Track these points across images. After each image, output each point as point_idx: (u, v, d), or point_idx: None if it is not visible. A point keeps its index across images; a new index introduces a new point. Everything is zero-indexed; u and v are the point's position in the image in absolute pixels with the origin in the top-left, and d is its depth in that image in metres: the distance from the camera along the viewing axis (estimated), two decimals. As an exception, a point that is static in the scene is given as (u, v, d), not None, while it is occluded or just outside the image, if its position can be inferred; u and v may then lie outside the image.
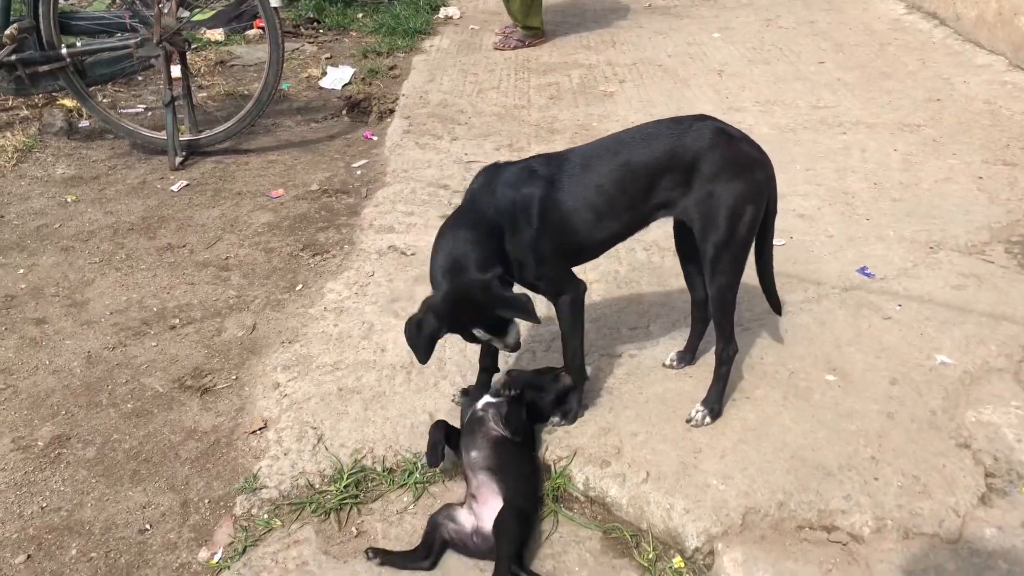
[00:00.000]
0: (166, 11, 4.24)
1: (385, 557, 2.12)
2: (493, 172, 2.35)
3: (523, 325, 2.45)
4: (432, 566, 2.11)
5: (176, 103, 4.47)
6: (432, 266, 2.25)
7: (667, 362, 2.72)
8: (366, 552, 2.13)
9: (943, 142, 4.37)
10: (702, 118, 2.35)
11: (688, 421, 2.44)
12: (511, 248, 2.26)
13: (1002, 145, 4.27)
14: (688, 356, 2.71)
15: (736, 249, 2.31)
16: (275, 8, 4.29)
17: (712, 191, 2.26)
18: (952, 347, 2.71)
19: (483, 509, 2.14)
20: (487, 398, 2.40)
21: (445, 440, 2.33)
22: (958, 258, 3.23)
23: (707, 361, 2.69)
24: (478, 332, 2.25)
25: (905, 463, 2.27)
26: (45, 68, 4.34)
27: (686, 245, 2.48)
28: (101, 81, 4.72)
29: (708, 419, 2.42)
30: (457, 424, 2.43)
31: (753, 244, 2.43)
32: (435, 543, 2.13)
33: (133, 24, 4.33)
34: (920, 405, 2.48)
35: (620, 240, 2.45)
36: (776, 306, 2.68)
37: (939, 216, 3.58)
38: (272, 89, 4.45)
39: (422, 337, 2.20)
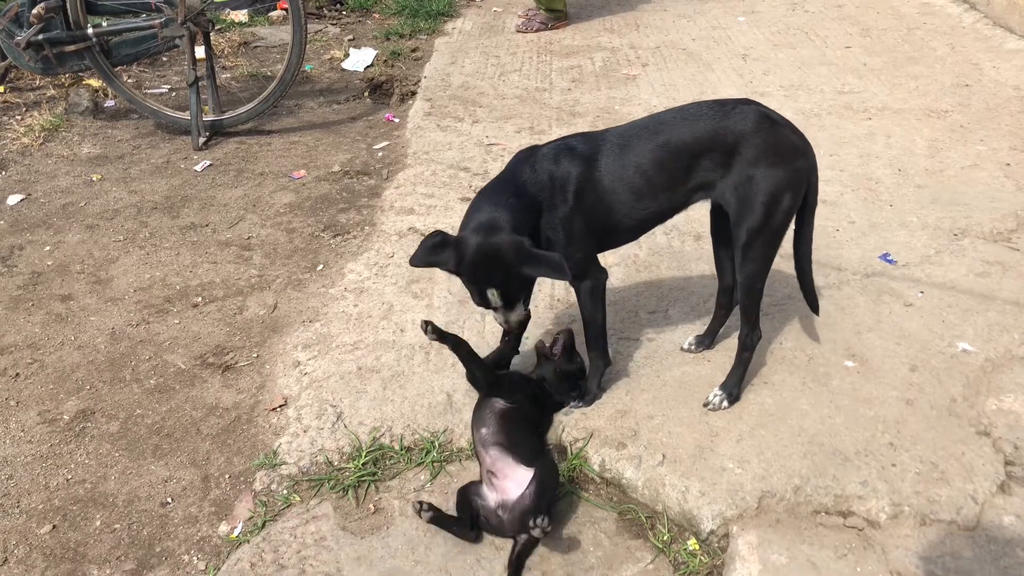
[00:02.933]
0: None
1: (436, 514, 2.12)
2: (532, 150, 2.36)
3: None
4: (478, 539, 2.13)
5: (200, 84, 4.50)
6: (463, 227, 2.22)
7: (685, 346, 2.72)
8: (416, 504, 2.12)
9: (970, 128, 4.31)
10: (746, 102, 2.31)
11: (705, 405, 2.44)
12: (544, 224, 2.27)
13: (1031, 132, 4.21)
14: (707, 340, 2.71)
15: (769, 236, 2.29)
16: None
17: (751, 176, 2.23)
18: (974, 334, 2.69)
19: (504, 483, 2.16)
20: None
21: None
22: (983, 245, 3.19)
23: (725, 346, 2.69)
24: (492, 294, 2.22)
25: (923, 450, 2.26)
26: (71, 48, 4.38)
27: (721, 230, 2.47)
28: (126, 61, 4.75)
29: (726, 403, 2.42)
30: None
31: (792, 238, 2.42)
32: (477, 515, 2.15)
33: (158, 4, 4.33)
34: (940, 392, 2.46)
35: (658, 222, 2.44)
36: (813, 304, 2.59)
37: (964, 203, 3.53)
38: (295, 70, 4.46)
39: (429, 247, 2.19)
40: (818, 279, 3.03)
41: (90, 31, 4.36)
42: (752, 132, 2.23)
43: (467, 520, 2.15)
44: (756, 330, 2.45)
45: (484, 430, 2.27)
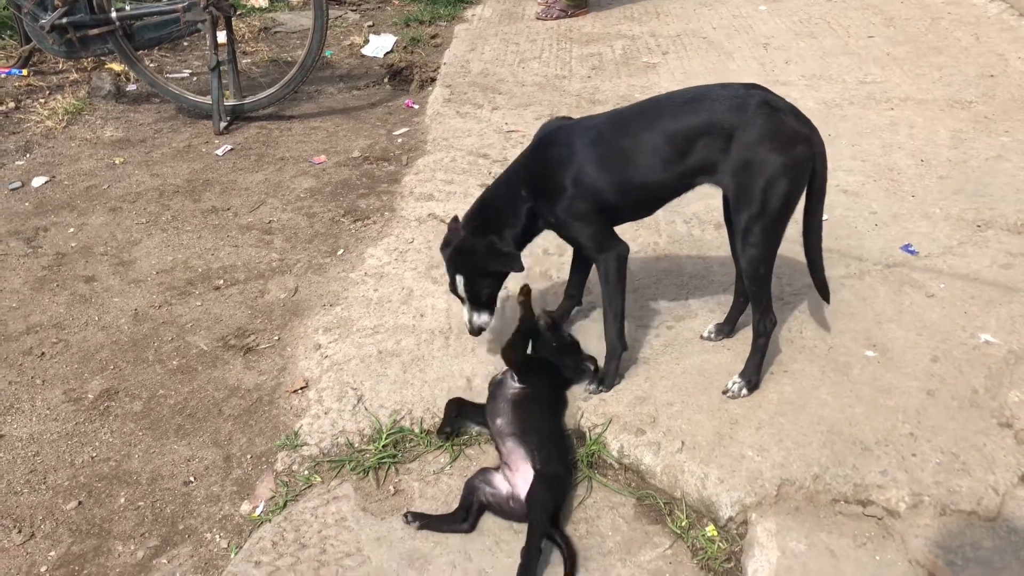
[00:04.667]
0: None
1: (424, 521, 2.15)
2: (543, 129, 2.49)
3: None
4: (472, 528, 2.14)
5: (221, 68, 4.51)
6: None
7: (705, 334, 2.72)
8: (405, 516, 2.16)
9: (995, 119, 4.26)
10: (749, 86, 2.31)
11: (725, 392, 2.44)
12: (546, 205, 2.39)
13: (1057, 123, 4.17)
14: (727, 329, 2.71)
15: (768, 222, 2.28)
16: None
17: (749, 161, 2.23)
18: (997, 326, 2.67)
19: (515, 477, 2.17)
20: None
21: (463, 415, 2.42)
22: (1007, 237, 3.17)
23: (746, 335, 2.68)
24: (459, 282, 2.46)
25: (944, 440, 2.25)
26: (95, 31, 4.41)
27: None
28: (148, 45, 4.78)
29: (745, 391, 2.42)
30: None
31: (801, 224, 2.42)
32: (473, 505, 2.16)
33: (181, -11, 4.36)
34: (961, 383, 2.45)
35: (661, 202, 2.48)
36: (823, 291, 2.58)
37: (988, 194, 3.50)
38: (316, 55, 4.47)
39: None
40: (839, 268, 3.04)
41: (114, 15, 4.40)
42: (750, 117, 2.23)
43: (460, 514, 2.15)
44: (768, 316, 2.45)
45: (500, 420, 2.29)
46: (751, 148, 2.23)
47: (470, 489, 2.19)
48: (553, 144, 2.42)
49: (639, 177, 2.34)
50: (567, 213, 2.38)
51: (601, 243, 2.43)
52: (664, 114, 2.32)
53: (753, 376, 2.44)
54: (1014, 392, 2.41)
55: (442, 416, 2.44)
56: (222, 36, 4.67)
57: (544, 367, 2.47)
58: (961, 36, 5.54)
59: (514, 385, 2.36)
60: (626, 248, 2.46)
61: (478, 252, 2.42)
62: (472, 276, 2.45)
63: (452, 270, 2.48)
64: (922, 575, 1.94)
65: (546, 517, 2.08)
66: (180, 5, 4.35)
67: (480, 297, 2.49)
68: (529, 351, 2.50)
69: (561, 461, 2.23)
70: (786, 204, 2.28)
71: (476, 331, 2.54)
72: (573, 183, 2.35)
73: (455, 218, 2.55)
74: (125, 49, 4.51)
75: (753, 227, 2.28)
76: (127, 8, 4.53)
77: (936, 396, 2.41)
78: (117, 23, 4.40)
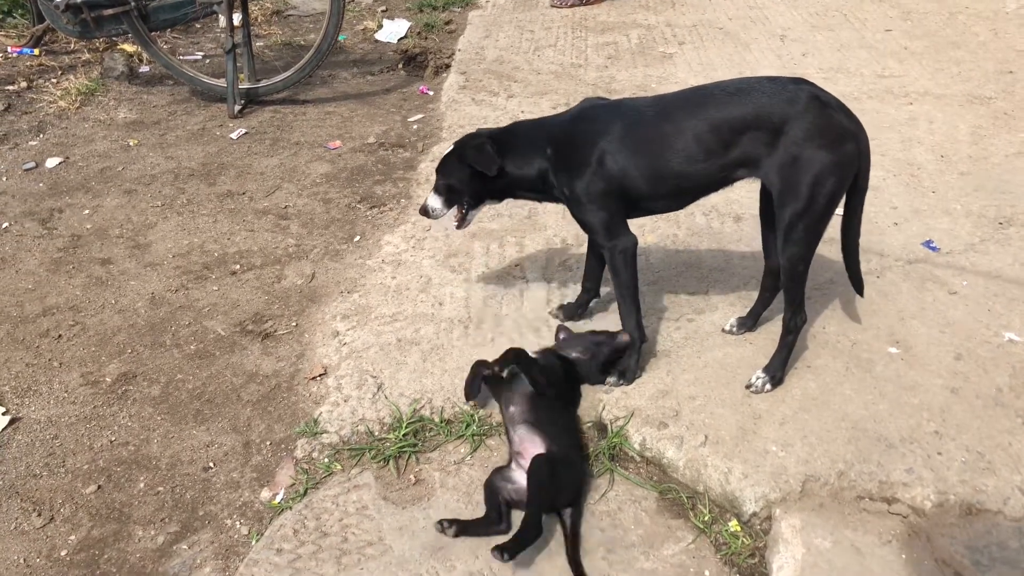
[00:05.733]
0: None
1: (461, 527, 2.09)
2: (585, 101, 2.52)
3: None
4: (509, 527, 2.10)
5: (236, 51, 4.48)
6: None
7: (727, 327, 2.70)
8: (439, 524, 2.08)
9: (1015, 116, 4.23)
10: (798, 81, 2.29)
11: (748, 387, 2.43)
12: (565, 177, 2.40)
13: (1077, 121, 4.13)
14: (749, 322, 2.69)
15: (813, 219, 2.26)
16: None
17: (797, 157, 2.21)
18: (1021, 325, 2.65)
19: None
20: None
21: (483, 380, 2.41)
22: (1029, 235, 3.15)
23: (768, 329, 2.67)
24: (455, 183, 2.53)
25: (969, 439, 2.24)
26: (110, 11, 4.38)
27: (769, 211, 2.43)
28: (163, 27, 4.75)
29: (769, 386, 2.41)
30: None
31: (840, 220, 2.42)
32: (501, 506, 2.13)
33: (197, -30, 4.33)
34: (986, 381, 2.44)
35: (697, 194, 2.46)
36: (859, 286, 2.56)
37: (1010, 191, 3.48)
38: (332, 39, 4.44)
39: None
40: (861, 264, 3.01)
41: (129, -5, 4.36)
42: (801, 112, 2.20)
43: (494, 515, 2.12)
44: (800, 313, 2.43)
45: (513, 408, 2.28)
46: (800, 144, 2.20)
47: (492, 490, 2.17)
48: (590, 120, 2.40)
49: (678, 165, 2.32)
50: (584, 192, 2.38)
51: (611, 231, 2.43)
52: (711, 103, 2.29)
53: (778, 372, 2.42)
54: (1039, 392, 2.39)
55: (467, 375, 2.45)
56: (237, 18, 4.63)
57: (557, 363, 2.45)
58: (979, 31, 5.50)
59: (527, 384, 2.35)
60: (635, 240, 2.46)
61: (469, 144, 2.49)
62: (453, 165, 2.52)
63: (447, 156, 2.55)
64: (949, 574, 1.93)
65: (544, 492, 2.06)
66: (196, -14, 4.31)
67: (445, 184, 2.54)
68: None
69: (571, 446, 2.22)
70: (831, 202, 2.27)
71: (423, 210, 2.60)
72: (598, 162, 2.34)
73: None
74: (140, 30, 4.48)
75: (797, 224, 2.26)
76: (143, -11, 4.50)
77: (960, 394, 2.39)
78: (132, 3, 4.37)
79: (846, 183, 2.28)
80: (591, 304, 2.83)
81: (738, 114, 2.24)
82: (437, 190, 2.57)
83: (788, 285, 2.39)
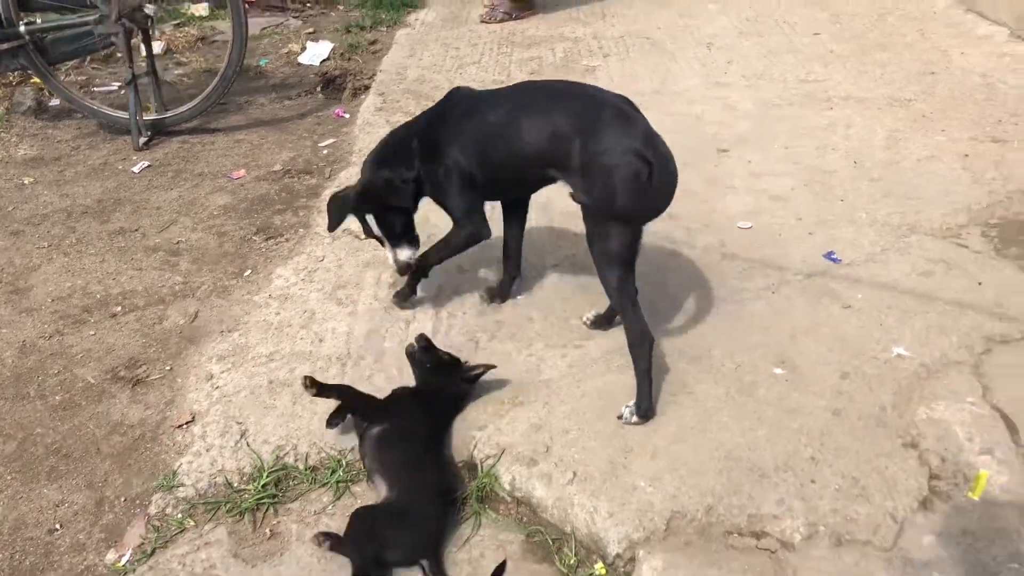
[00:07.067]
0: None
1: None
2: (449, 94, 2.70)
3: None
4: None
5: (138, 82, 4.36)
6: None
7: (584, 319, 2.76)
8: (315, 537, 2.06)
9: (933, 118, 4.17)
10: (615, 95, 2.40)
11: (619, 418, 2.33)
12: (430, 168, 2.59)
13: (994, 121, 4.08)
14: (603, 323, 2.73)
15: (614, 228, 2.27)
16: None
17: (599, 166, 2.23)
18: (911, 338, 2.57)
19: None
20: None
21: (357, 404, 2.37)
22: (930, 242, 3.07)
23: (656, 352, 2.57)
24: (370, 220, 2.63)
25: (846, 464, 2.14)
26: (4, 46, 4.25)
27: None
28: (64, 59, 4.63)
29: (636, 418, 2.30)
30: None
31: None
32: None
33: (93, 1, 4.20)
34: (870, 401, 2.34)
35: (521, 186, 2.65)
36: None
37: (917, 197, 3.41)
38: (236, 67, 4.34)
39: (335, 208, 2.71)
40: (758, 280, 2.93)
41: (23, 29, 4.23)
42: (605, 123, 2.26)
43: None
44: (639, 333, 2.32)
45: (367, 452, 2.18)
46: (600, 154, 2.23)
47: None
48: (447, 114, 2.61)
49: (498, 156, 2.48)
50: (443, 178, 2.57)
51: (468, 213, 2.63)
52: (532, 102, 2.45)
53: (643, 402, 2.31)
54: (922, 408, 2.30)
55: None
56: (154, 47, 4.52)
57: (418, 396, 2.35)
58: (907, 32, 5.46)
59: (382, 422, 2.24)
60: (488, 235, 2.67)
61: (378, 188, 2.60)
62: (381, 213, 2.61)
63: (360, 213, 2.64)
64: (811, 614, 1.83)
65: (362, 550, 1.97)
66: (91, 18, 4.19)
67: (396, 231, 2.64)
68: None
69: (424, 492, 2.10)
70: (628, 211, 2.25)
71: (403, 268, 2.71)
72: (450, 151, 2.53)
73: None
74: (38, 64, 4.35)
75: (596, 229, 2.30)
76: (38, 22, 4.37)
77: (842, 416, 2.30)
78: (27, 37, 4.24)
79: (646, 193, 2.23)
80: (514, 285, 2.93)
81: (552, 116, 2.35)
82: (394, 242, 2.66)
83: (607, 292, 2.39)
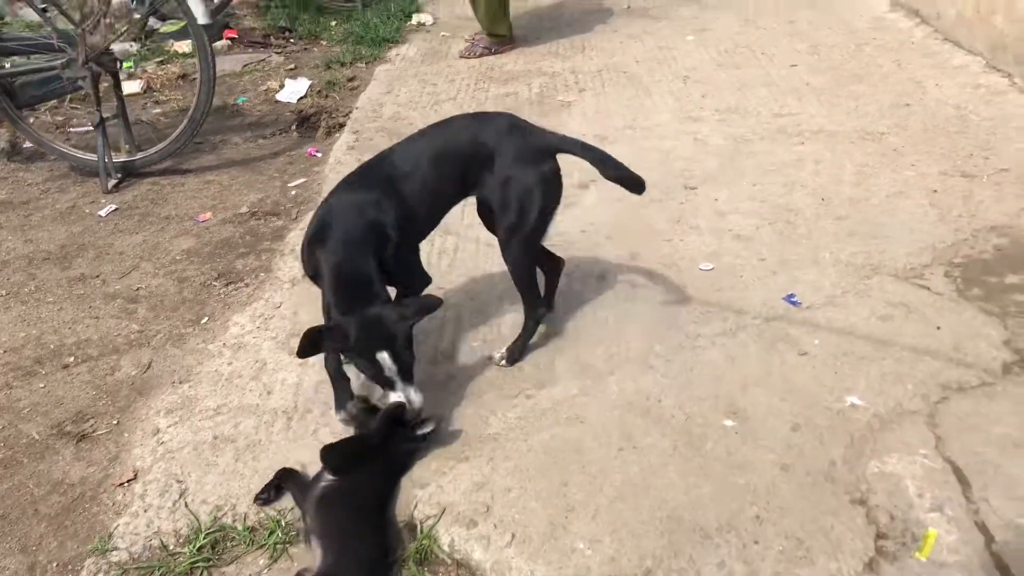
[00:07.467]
0: (92, 31, 4.13)
1: None
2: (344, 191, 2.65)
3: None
4: None
5: (107, 124, 4.36)
6: (336, 302, 2.40)
7: (496, 357, 2.79)
8: None
9: (904, 152, 4.14)
10: (500, 115, 2.71)
11: (490, 359, 2.76)
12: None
13: (965, 155, 4.04)
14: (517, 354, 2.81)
15: (525, 235, 2.58)
16: (203, 26, 4.16)
17: (507, 177, 2.53)
18: (866, 387, 2.51)
19: None
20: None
21: (289, 486, 2.31)
22: (891, 284, 3.02)
23: (602, 403, 2.53)
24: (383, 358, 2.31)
25: (791, 523, 2.09)
26: (-28, 91, 4.26)
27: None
28: (33, 103, 4.64)
29: (504, 362, 2.74)
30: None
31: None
32: None
33: (61, 45, 4.21)
34: (820, 455, 2.29)
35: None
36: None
37: (882, 235, 3.36)
38: (205, 108, 4.33)
39: (310, 345, 2.30)
40: (714, 324, 2.89)
41: (-9, 74, 4.25)
42: (503, 139, 2.55)
43: None
44: (536, 311, 2.77)
45: (308, 518, 2.13)
46: (508, 166, 2.55)
47: None
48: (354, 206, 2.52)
49: (423, 205, 2.57)
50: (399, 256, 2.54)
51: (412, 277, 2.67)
52: (437, 147, 2.59)
53: (516, 353, 2.75)
54: (874, 462, 2.25)
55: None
56: (133, 86, 4.50)
57: (370, 455, 2.30)
58: (883, 63, 5.44)
59: (327, 478, 2.19)
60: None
61: (388, 323, 2.32)
62: (397, 350, 2.32)
63: (369, 354, 2.30)
64: None
65: None
66: (58, 62, 4.20)
67: (411, 369, 2.38)
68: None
69: (358, 559, 2.05)
70: (542, 217, 2.62)
71: (419, 411, 2.39)
72: (397, 229, 2.49)
73: None
74: (6, 107, 4.35)
75: (511, 239, 2.60)
76: (6, 66, 4.38)
77: (791, 471, 2.24)
78: (-5, 82, 4.25)
79: (555, 198, 2.62)
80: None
81: (459, 149, 2.58)
82: (410, 381, 2.38)
83: (518, 287, 2.71)
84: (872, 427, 2.37)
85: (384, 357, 2.29)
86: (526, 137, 2.59)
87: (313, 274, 2.53)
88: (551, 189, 2.59)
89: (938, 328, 2.74)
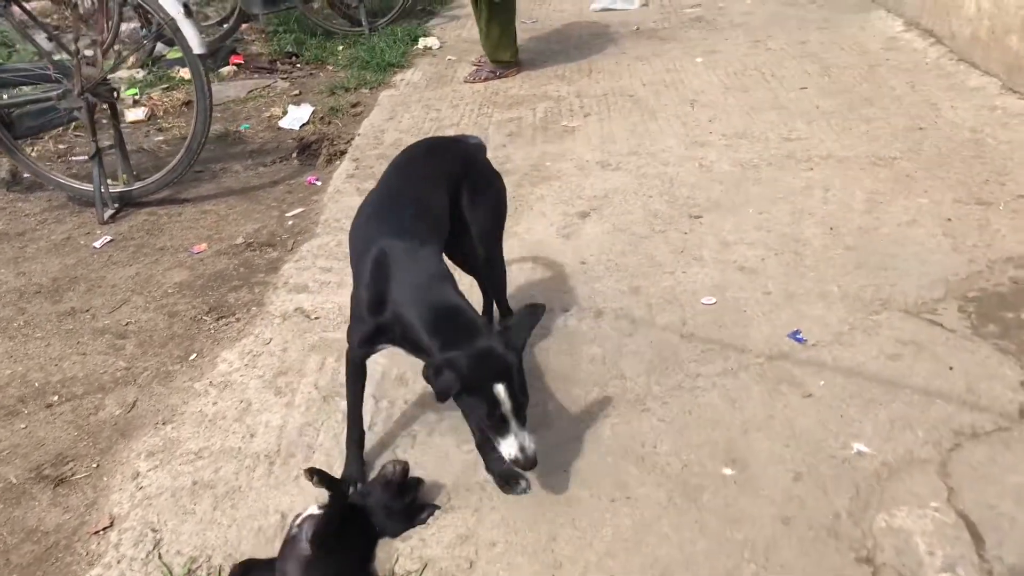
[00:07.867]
0: (87, 62, 4.10)
1: None
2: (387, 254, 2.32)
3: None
4: None
5: (104, 154, 4.32)
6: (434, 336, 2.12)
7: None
8: None
9: (917, 178, 4.02)
10: (466, 137, 2.89)
11: None
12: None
13: (981, 181, 3.91)
14: None
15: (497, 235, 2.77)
16: (200, 55, 4.12)
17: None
18: (873, 433, 2.39)
19: None
20: (309, 510, 2.14)
21: None
22: (901, 320, 2.89)
23: (590, 449, 2.42)
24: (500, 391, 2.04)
25: (791, 584, 1.96)
26: (-31, 122, 4.24)
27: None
28: (30, 133, 4.60)
29: None
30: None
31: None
32: None
33: (57, 75, 4.18)
34: (824, 507, 2.17)
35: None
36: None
37: (893, 267, 3.24)
38: (201, 138, 4.28)
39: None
40: (716, 364, 2.78)
41: (-14, 105, 4.22)
42: (471, 162, 2.69)
43: None
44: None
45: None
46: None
47: None
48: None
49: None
50: None
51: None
52: (425, 175, 2.62)
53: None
54: (881, 515, 2.12)
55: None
56: (137, 113, 4.46)
57: (353, 521, 2.19)
58: (896, 84, 5.32)
59: (307, 545, 2.08)
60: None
61: (498, 357, 2.06)
62: (522, 386, 2.07)
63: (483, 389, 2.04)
64: None
65: None
66: (54, 93, 4.17)
67: (525, 408, 2.10)
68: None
69: None
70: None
71: (534, 462, 2.10)
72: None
73: None
74: (3, 138, 4.32)
75: (488, 241, 2.74)
76: (3, 98, 4.36)
77: (792, 525, 2.12)
78: (-8, 113, 4.22)
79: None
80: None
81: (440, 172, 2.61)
82: (521, 419, 2.09)
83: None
84: (880, 476, 2.24)
85: (500, 390, 2.02)
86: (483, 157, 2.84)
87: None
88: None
89: (951, 368, 2.61)
